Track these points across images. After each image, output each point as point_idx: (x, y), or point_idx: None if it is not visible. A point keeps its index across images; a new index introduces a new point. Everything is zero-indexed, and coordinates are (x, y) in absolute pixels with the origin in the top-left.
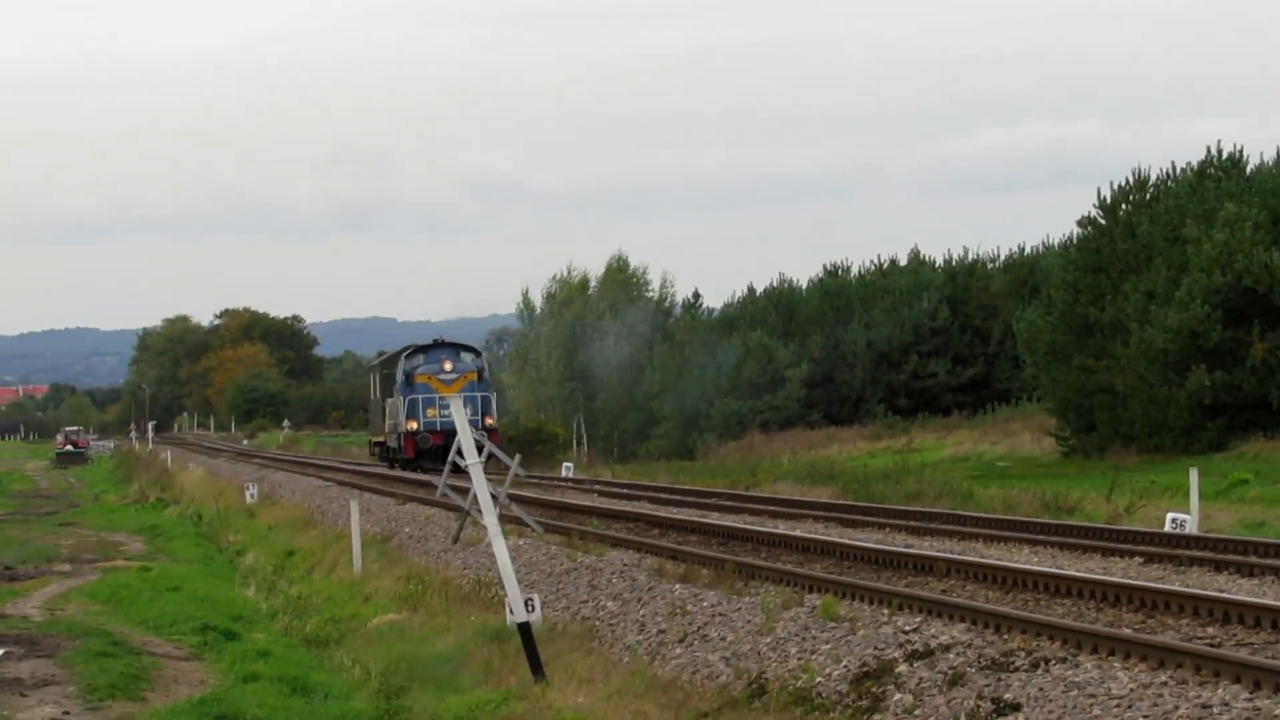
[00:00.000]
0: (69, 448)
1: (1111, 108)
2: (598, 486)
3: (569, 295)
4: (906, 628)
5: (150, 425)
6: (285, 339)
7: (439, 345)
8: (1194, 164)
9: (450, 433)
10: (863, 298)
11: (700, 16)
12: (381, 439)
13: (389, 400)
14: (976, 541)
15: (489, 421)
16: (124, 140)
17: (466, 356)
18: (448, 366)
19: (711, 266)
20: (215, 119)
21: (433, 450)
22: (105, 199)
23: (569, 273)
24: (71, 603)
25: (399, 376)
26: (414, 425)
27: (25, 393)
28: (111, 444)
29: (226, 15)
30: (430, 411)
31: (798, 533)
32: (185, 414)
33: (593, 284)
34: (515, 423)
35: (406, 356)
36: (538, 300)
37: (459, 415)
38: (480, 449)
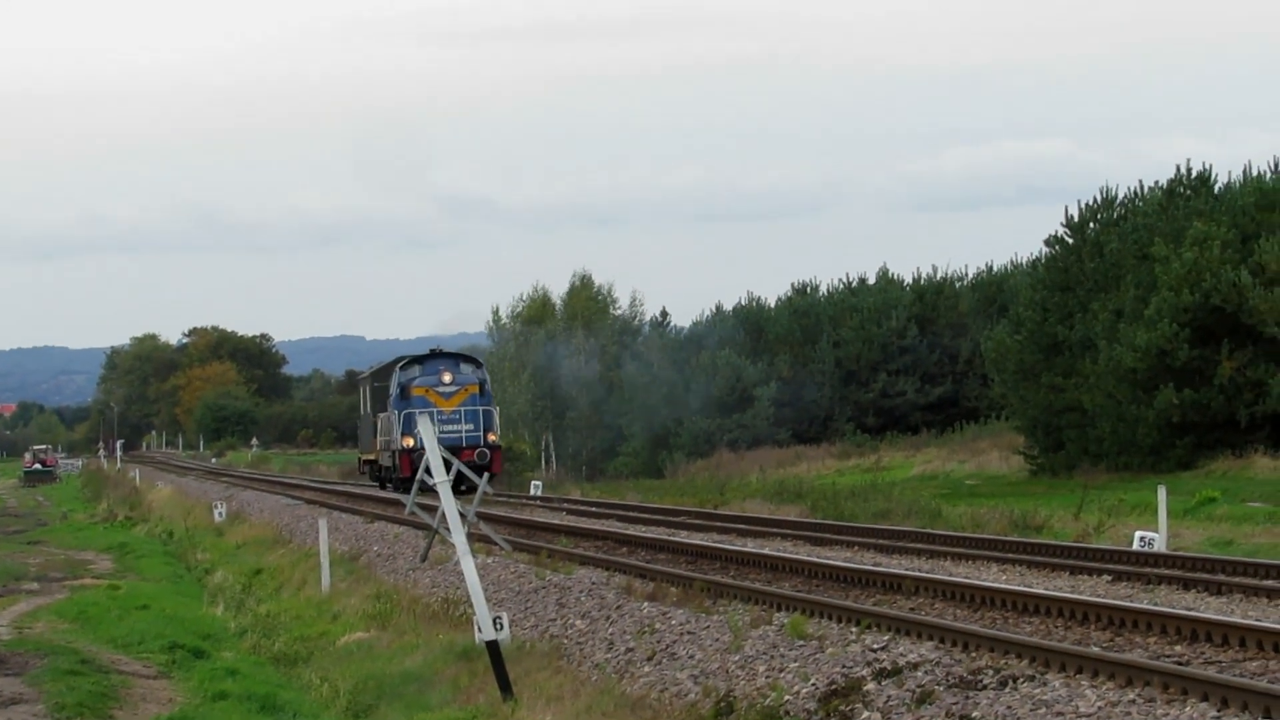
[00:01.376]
0: (37, 466)
1: (1080, 126)
2: (566, 505)
3: (536, 313)
4: (874, 646)
5: (118, 444)
6: (254, 357)
7: (436, 355)
8: (1163, 182)
9: (451, 449)
10: (831, 316)
11: (672, 35)
12: (373, 457)
13: (382, 415)
14: (945, 560)
15: (491, 438)
16: (92, 157)
17: (466, 367)
18: (446, 378)
19: (680, 284)
20: (184, 137)
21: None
22: (73, 216)
23: (536, 290)
24: (40, 621)
25: (393, 389)
26: (410, 442)
27: None
28: (80, 462)
29: (196, 34)
30: None
31: (766, 551)
32: (154, 432)
33: (558, 302)
34: None
35: (401, 368)
36: (506, 318)
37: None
38: (449, 466)
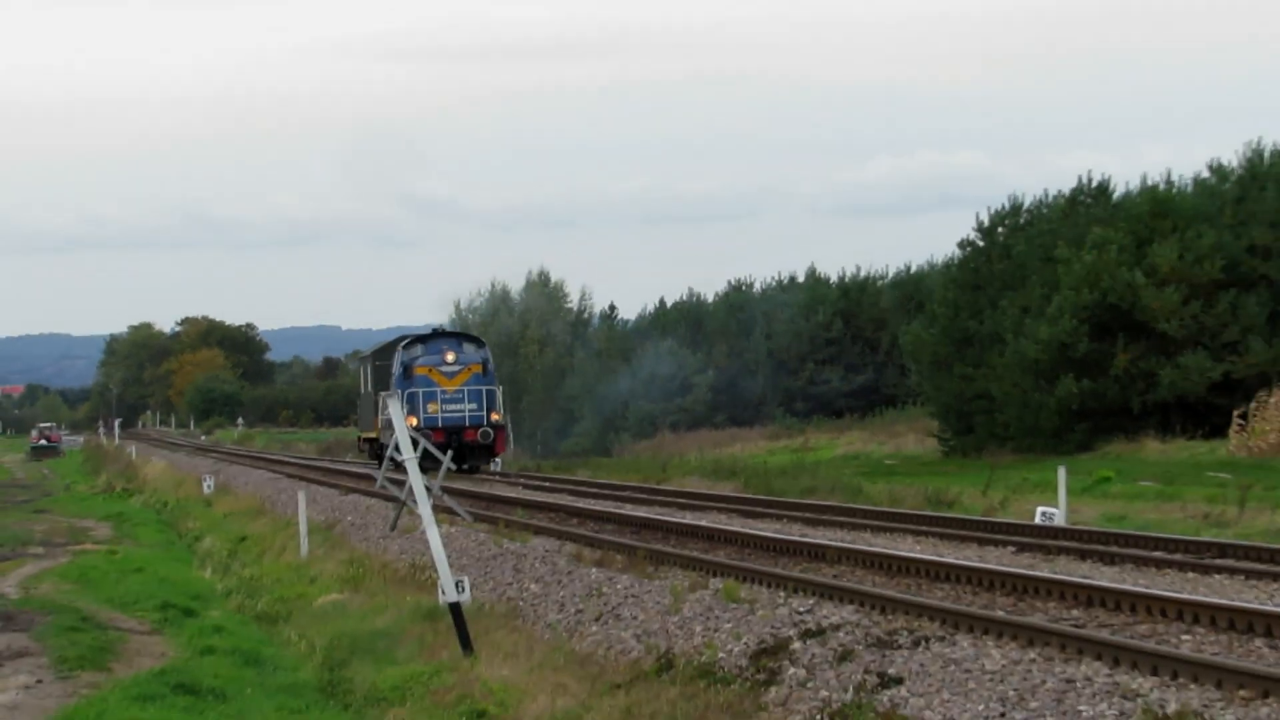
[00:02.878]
0: (43, 442)
1: (993, 140)
2: (523, 480)
3: (495, 306)
4: (801, 609)
5: (117, 422)
6: (239, 345)
7: (440, 335)
8: (1066, 191)
9: (455, 429)
10: (764, 311)
11: (621, 55)
12: (373, 435)
13: (383, 394)
14: (865, 531)
15: (495, 417)
16: (94, 162)
17: (469, 347)
18: (450, 358)
19: (627, 281)
20: (175, 144)
21: (435, 448)
22: (77, 215)
23: (495, 286)
24: (44, 582)
25: (396, 368)
26: (413, 421)
27: (3, 392)
28: (81, 439)
29: (186, 50)
30: (431, 406)
31: (703, 523)
32: (149, 412)
33: (515, 296)
34: None
35: (404, 347)
36: (467, 309)
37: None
38: (416, 445)
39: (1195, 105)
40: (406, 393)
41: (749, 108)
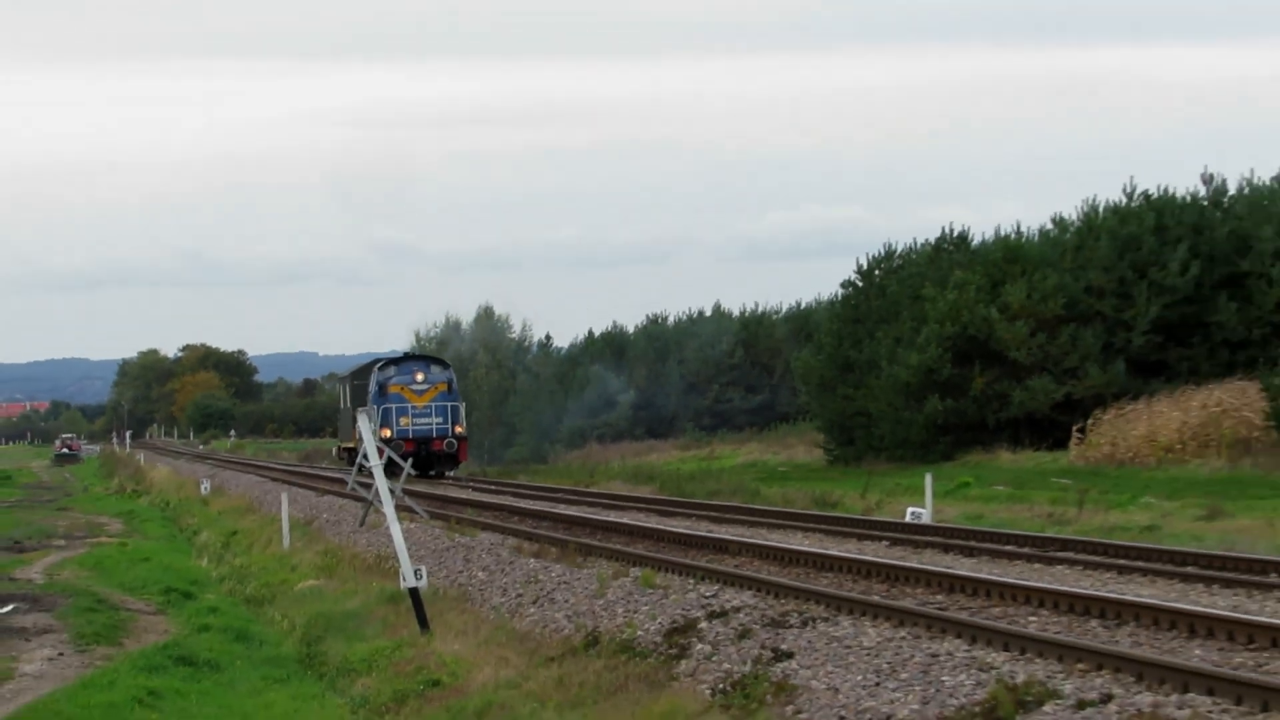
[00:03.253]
0: (65, 450)
1: (870, 197)
2: (472, 484)
3: (448, 335)
4: (707, 594)
5: (128, 434)
6: (232, 368)
7: (410, 358)
8: (932, 240)
9: (421, 439)
10: (677, 340)
11: (557, 124)
12: (351, 445)
13: (360, 409)
14: (762, 528)
15: (458, 430)
16: (111, 213)
17: (436, 368)
18: (419, 377)
19: (561, 315)
20: (181, 198)
21: (404, 457)
22: (95, 258)
23: (448, 318)
24: (65, 569)
25: (372, 387)
26: (387, 433)
27: (31, 407)
28: (98, 448)
29: (190, 120)
30: (403, 420)
31: (625, 520)
32: (155, 425)
33: (465, 327)
34: None
35: (379, 369)
36: (424, 339)
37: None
38: (381, 453)
39: (1040, 168)
40: (381, 408)
41: (664, 168)
